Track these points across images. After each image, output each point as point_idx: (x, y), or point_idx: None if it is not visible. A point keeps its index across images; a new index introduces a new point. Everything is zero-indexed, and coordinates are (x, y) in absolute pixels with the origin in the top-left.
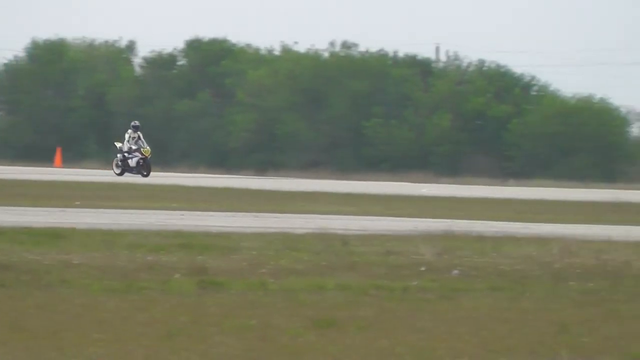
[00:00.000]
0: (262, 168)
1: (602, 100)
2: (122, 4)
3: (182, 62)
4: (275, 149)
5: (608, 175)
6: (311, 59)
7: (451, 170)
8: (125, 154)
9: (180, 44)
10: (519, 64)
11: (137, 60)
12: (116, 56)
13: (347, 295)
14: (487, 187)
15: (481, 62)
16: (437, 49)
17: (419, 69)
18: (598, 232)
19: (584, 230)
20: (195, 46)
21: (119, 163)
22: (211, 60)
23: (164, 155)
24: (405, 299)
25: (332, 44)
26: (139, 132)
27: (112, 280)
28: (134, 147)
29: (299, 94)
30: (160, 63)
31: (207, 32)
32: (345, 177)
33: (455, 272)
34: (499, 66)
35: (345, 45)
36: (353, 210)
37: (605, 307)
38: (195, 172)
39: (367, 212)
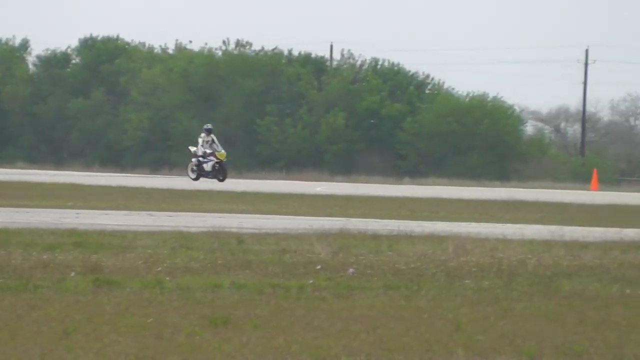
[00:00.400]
0: (157, 167)
1: (495, 99)
2: (16, 2)
3: (76, 60)
4: (169, 147)
5: (502, 174)
6: (205, 58)
7: (345, 168)
8: (200, 159)
9: (74, 43)
10: (414, 62)
11: (30, 59)
12: (10, 55)
13: (242, 293)
14: (382, 185)
15: (375, 61)
16: (332, 48)
17: (313, 68)
18: (492, 231)
19: (478, 229)
20: (89, 45)
21: (194, 168)
22: (105, 59)
23: (58, 153)
24: (301, 297)
25: (225, 42)
26: (212, 136)
27: (7, 278)
28: (208, 151)
29: (192, 92)
30: (54, 61)
31: (101, 30)
32: (239, 175)
33: (351, 270)
34: (393, 65)
35: (239, 44)
36: (248, 208)
37: (499, 306)
38: (89, 171)
39: (262, 210)
